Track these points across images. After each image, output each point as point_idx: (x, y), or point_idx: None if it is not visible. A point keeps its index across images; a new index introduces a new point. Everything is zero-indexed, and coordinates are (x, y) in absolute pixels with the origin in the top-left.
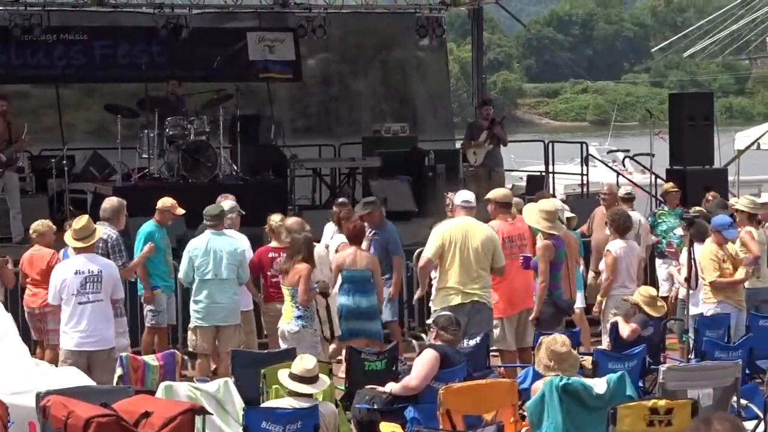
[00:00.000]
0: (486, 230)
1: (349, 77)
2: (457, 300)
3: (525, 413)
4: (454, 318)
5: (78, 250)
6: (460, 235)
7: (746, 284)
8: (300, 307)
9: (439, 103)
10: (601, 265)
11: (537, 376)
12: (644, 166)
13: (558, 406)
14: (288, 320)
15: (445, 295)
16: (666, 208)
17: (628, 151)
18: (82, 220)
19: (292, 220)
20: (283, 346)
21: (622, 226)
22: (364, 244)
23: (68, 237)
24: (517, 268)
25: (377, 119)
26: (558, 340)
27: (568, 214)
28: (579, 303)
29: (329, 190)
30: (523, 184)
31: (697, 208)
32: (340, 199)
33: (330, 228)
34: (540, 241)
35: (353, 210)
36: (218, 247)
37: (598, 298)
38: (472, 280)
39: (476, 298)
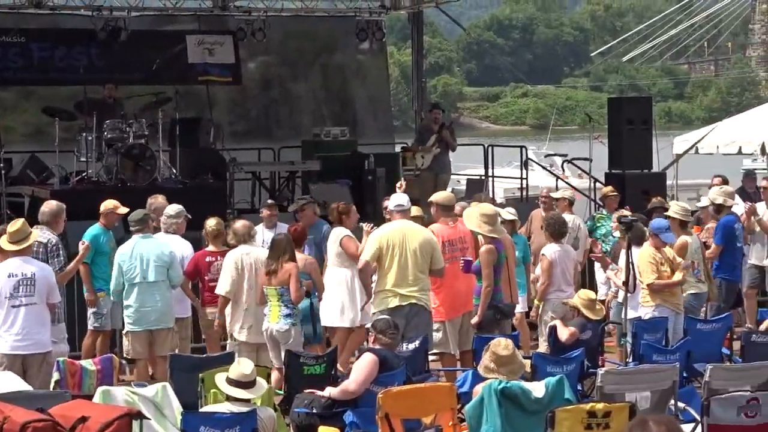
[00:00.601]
0: (424, 233)
1: (288, 80)
2: (394, 302)
3: (464, 417)
4: (392, 322)
5: (13, 254)
6: (397, 238)
7: (687, 289)
8: (290, 305)
9: (379, 106)
10: (537, 269)
11: (476, 379)
12: (583, 170)
13: (497, 410)
14: (275, 320)
15: (383, 298)
16: (605, 212)
17: (565, 155)
18: (17, 224)
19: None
20: (268, 346)
21: (557, 231)
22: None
23: (3, 240)
24: (459, 271)
25: (317, 123)
26: (502, 344)
27: (512, 217)
28: (520, 307)
29: (269, 193)
30: (463, 187)
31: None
32: (269, 201)
33: (260, 229)
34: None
35: (277, 212)
36: (145, 251)
37: (535, 302)
38: (410, 282)
39: (414, 301)
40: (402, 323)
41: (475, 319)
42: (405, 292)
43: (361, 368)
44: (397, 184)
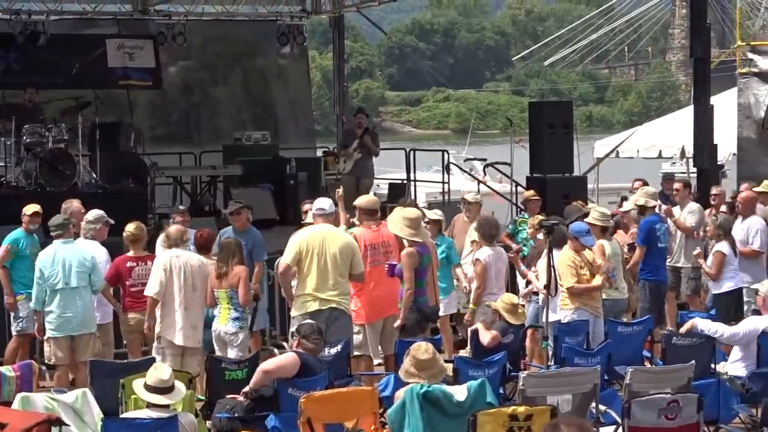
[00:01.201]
0: (344, 237)
1: (209, 85)
2: (314, 306)
3: (386, 421)
4: (316, 326)
5: None
6: (317, 242)
7: (604, 294)
8: (239, 308)
9: (300, 111)
10: (470, 273)
11: (398, 383)
12: (504, 174)
13: (419, 414)
14: (224, 322)
15: (303, 302)
16: (526, 216)
17: (485, 159)
18: None
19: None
20: (216, 348)
21: (488, 234)
22: None
23: None
24: (381, 275)
25: (238, 127)
26: (422, 348)
27: (437, 217)
28: (443, 310)
29: (190, 198)
30: (385, 191)
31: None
32: (181, 207)
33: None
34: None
35: (189, 218)
36: (66, 256)
37: (470, 306)
38: (330, 286)
39: (334, 305)
40: (322, 327)
41: (397, 323)
42: (325, 296)
43: (282, 359)
44: (338, 191)
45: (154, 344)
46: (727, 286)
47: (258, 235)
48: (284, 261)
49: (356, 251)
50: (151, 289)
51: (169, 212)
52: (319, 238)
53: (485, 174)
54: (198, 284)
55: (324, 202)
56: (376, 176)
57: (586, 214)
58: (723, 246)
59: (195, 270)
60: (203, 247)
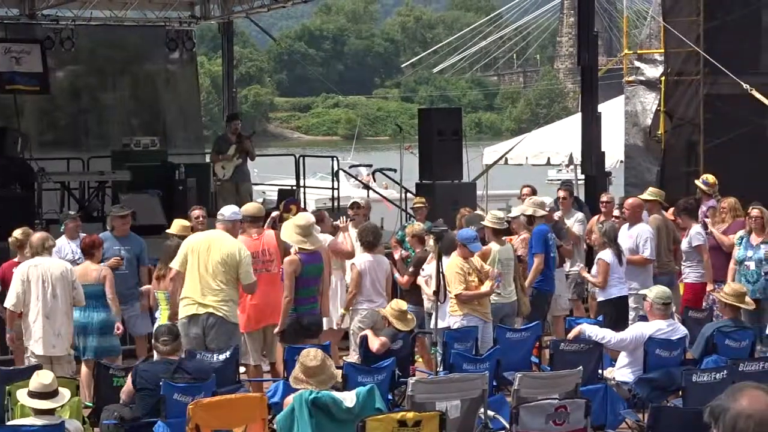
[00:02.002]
0: (232, 245)
1: (98, 90)
2: (192, 310)
3: (275, 427)
4: (167, 329)
5: None
6: (203, 247)
7: (491, 300)
8: None
9: (189, 116)
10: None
11: (287, 390)
12: (393, 180)
13: (307, 420)
14: (165, 321)
15: (185, 305)
16: (415, 222)
17: (370, 165)
18: None
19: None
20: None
21: (367, 241)
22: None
23: None
24: (260, 284)
25: (127, 133)
26: (311, 354)
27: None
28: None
29: (78, 204)
30: (274, 198)
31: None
32: (71, 213)
33: (64, 241)
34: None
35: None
36: None
37: (341, 311)
38: (210, 292)
39: (211, 310)
40: (199, 332)
41: (276, 329)
42: (204, 301)
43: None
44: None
45: (25, 355)
46: (611, 293)
47: (141, 240)
48: (173, 265)
49: (243, 261)
50: (8, 302)
51: (59, 218)
52: (206, 243)
53: (374, 180)
54: (59, 292)
55: (226, 209)
56: (266, 183)
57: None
58: (606, 254)
59: (56, 277)
60: (88, 253)
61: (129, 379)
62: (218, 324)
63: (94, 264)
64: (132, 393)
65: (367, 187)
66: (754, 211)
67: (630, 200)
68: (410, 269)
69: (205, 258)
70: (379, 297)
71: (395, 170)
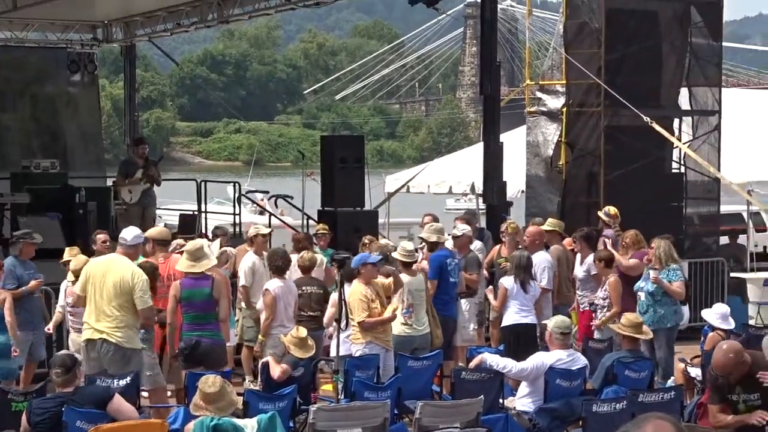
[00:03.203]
0: (127, 269)
1: None
2: (88, 335)
3: None
4: (61, 360)
5: None
6: (100, 271)
7: (402, 331)
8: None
9: (90, 139)
10: (259, 304)
11: (189, 416)
12: (293, 205)
13: None
14: None
15: (84, 329)
16: (318, 249)
17: (267, 191)
18: None
19: None
20: None
21: (276, 266)
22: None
23: None
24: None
25: (26, 155)
26: (209, 381)
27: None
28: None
29: None
30: (176, 222)
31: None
32: None
33: None
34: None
35: None
36: None
37: (260, 337)
38: (104, 317)
39: (105, 336)
40: (96, 356)
41: (170, 354)
42: (98, 327)
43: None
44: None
45: None
46: (510, 319)
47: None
48: (74, 289)
49: (139, 285)
50: None
51: None
52: (103, 267)
53: (276, 206)
54: None
55: (128, 232)
56: (167, 207)
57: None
58: (507, 280)
59: None
60: None
61: (24, 418)
62: (113, 350)
63: None
64: (29, 430)
65: (266, 211)
66: (653, 243)
67: (530, 228)
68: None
69: (100, 283)
70: (289, 322)
71: (292, 197)
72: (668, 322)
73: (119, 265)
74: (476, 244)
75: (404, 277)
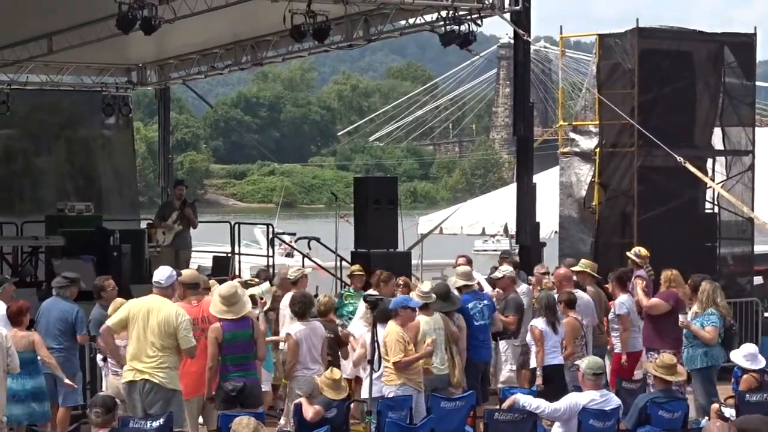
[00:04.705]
0: (168, 310)
1: (32, 154)
2: (130, 377)
3: None
4: (101, 400)
5: None
6: (141, 311)
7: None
8: None
9: (124, 182)
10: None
11: None
12: (329, 248)
13: None
14: None
15: (125, 371)
16: (352, 290)
17: (294, 234)
18: None
19: None
20: None
21: (295, 311)
22: None
23: None
24: (199, 351)
25: (61, 197)
26: (243, 422)
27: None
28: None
29: (11, 268)
30: (209, 264)
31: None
32: (8, 277)
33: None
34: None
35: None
36: None
37: (283, 380)
38: (145, 358)
39: (147, 377)
40: (137, 398)
41: (206, 395)
42: (140, 368)
43: None
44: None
45: None
46: (545, 361)
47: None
48: (107, 323)
49: (182, 325)
50: None
51: None
52: (145, 308)
53: (310, 248)
54: None
55: (160, 273)
56: (201, 249)
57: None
58: (538, 322)
59: None
60: (16, 320)
61: None
62: (154, 390)
63: (22, 331)
64: None
65: (291, 254)
66: (701, 286)
67: (561, 270)
68: None
69: (143, 324)
70: (315, 364)
71: (318, 239)
72: (697, 363)
73: (161, 305)
74: (522, 287)
75: (421, 318)
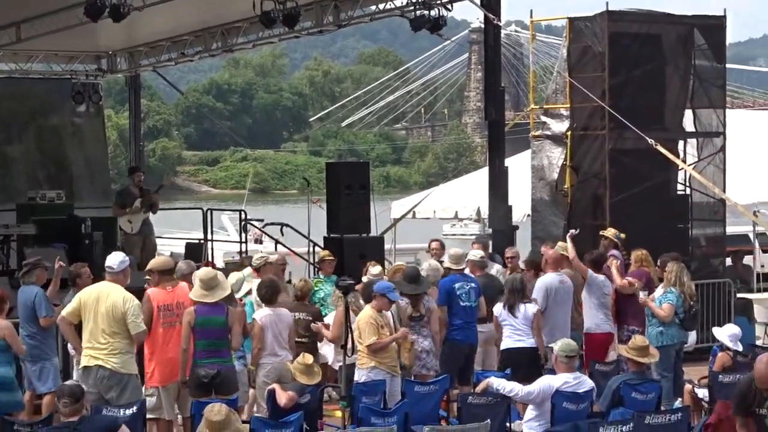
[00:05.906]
0: (118, 296)
1: (2, 143)
2: (85, 362)
3: None
4: (69, 390)
5: None
6: (92, 298)
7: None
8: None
9: (96, 169)
10: None
11: None
12: (301, 233)
13: None
14: None
15: (82, 356)
16: (321, 276)
17: (261, 219)
18: None
19: None
20: None
21: (266, 295)
22: None
23: None
24: (174, 336)
25: (32, 186)
26: (215, 409)
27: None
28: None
29: None
30: (182, 251)
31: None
32: None
33: None
34: None
35: None
36: None
37: (250, 367)
38: (98, 344)
39: (101, 362)
40: (94, 383)
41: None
42: (94, 354)
43: None
44: None
45: None
46: (504, 344)
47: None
48: (62, 313)
49: (131, 311)
50: None
51: None
52: (95, 294)
53: (282, 234)
54: None
55: (112, 259)
56: (170, 236)
57: None
58: (496, 307)
59: None
60: None
61: None
62: (108, 375)
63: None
64: None
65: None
66: (668, 266)
67: (551, 252)
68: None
69: (93, 311)
70: (282, 350)
71: (288, 225)
72: (653, 342)
73: (113, 292)
74: (495, 268)
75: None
